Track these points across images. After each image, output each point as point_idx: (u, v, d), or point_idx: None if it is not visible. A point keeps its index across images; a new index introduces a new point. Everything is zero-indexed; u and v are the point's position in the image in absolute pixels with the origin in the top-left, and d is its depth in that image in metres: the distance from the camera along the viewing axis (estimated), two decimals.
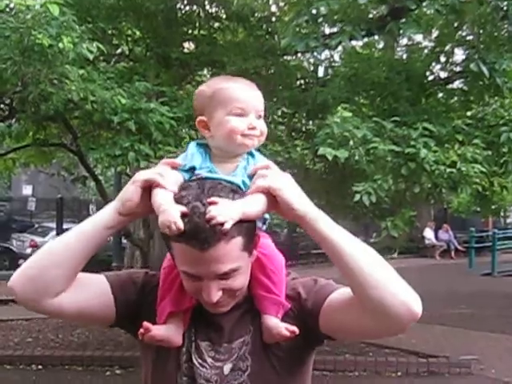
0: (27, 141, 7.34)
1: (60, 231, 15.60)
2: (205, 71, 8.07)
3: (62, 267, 1.39)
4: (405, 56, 8.85)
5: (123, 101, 5.15)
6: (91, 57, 4.90)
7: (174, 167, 1.39)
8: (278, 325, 1.43)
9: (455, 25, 6.87)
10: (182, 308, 1.46)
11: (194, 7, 7.42)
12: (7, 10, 4.71)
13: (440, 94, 7.56)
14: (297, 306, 1.48)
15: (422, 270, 15.99)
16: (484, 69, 5.53)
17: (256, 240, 1.42)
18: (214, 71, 7.17)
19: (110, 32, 7.00)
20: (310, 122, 7.99)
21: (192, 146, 1.48)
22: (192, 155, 1.45)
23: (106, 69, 6.15)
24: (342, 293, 1.42)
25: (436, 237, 20.37)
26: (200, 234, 1.28)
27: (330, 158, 5.18)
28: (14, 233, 19.38)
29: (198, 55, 7.33)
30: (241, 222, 1.31)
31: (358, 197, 5.38)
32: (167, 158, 1.54)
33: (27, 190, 24.21)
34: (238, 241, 1.33)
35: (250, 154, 1.46)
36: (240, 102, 1.42)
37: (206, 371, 1.44)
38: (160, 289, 1.49)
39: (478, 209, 11.96)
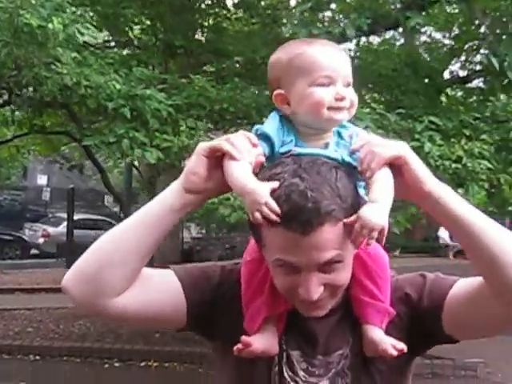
0: (28, 128, 7.28)
1: (70, 222, 15.68)
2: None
3: (125, 259, 1.21)
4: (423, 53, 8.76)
5: (118, 86, 5.04)
6: (81, 40, 4.79)
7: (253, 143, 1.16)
8: (384, 340, 1.24)
9: (476, 22, 6.71)
10: (278, 311, 1.27)
11: None
12: None
13: (459, 93, 7.47)
14: (406, 310, 1.30)
15: (436, 269, 15.75)
16: (494, 61, 5.34)
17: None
18: (221, 60, 7.01)
19: (112, 18, 6.88)
20: None
21: (274, 115, 1.25)
22: (273, 126, 1.23)
23: (106, 54, 6.04)
24: (463, 285, 1.26)
25: (450, 237, 20.20)
26: (302, 215, 1.09)
27: None
28: (27, 222, 19.54)
29: (204, 44, 7.21)
30: (348, 204, 1.13)
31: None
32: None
33: (42, 180, 24.38)
34: (342, 224, 1.15)
35: (342, 126, 1.26)
36: (324, 70, 1.21)
37: None
38: (246, 289, 1.30)
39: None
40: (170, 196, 1.19)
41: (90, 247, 1.21)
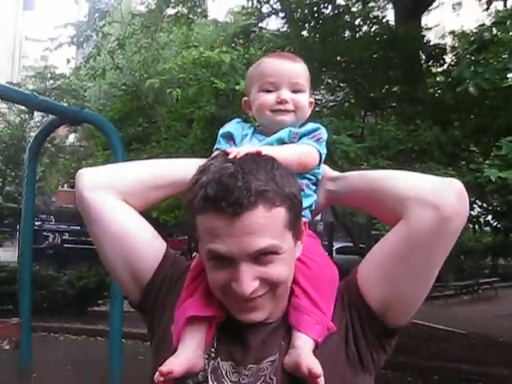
0: None
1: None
2: None
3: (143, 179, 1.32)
4: None
5: None
6: None
7: None
8: (304, 358, 1.14)
9: None
10: (205, 314, 1.20)
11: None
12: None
13: None
14: (346, 316, 1.25)
15: None
16: None
17: (302, 225, 1.23)
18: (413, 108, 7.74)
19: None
20: None
21: (234, 120, 1.42)
22: (231, 125, 1.39)
23: None
24: (371, 252, 1.26)
25: None
26: (231, 194, 1.07)
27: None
28: None
29: (400, 94, 8.03)
30: (285, 192, 1.13)
31: None
32: None
33: None
34: (281, 213, 1.13)
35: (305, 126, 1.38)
36: (270, 76, 1.34)
37: None
38: (184, 289, 1.26)
39: None
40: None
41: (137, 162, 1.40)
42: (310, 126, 1.36)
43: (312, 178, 1.36)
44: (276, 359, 1.18)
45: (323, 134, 1.37)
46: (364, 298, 1.22)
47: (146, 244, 1.30)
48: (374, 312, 1.21)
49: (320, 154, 1.34)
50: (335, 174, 1.39)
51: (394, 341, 1.28)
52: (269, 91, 1.34)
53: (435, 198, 1.14)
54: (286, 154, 1.24)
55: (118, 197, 1.28)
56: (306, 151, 1.30)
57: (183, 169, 1.31)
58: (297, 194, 1.18)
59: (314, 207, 1.38)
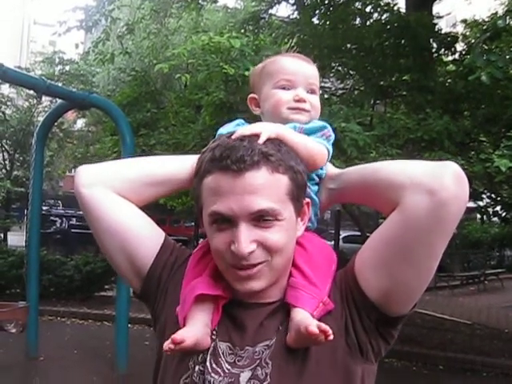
0: None
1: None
2: None
3: (137, 172, 1.33)
4: None
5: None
6: None
7: None
8: (308, 320, 1.14)
9: None
10: (214, 293, 1.22)
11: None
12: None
13: None
14: (342, 305, 1.24)
15: None
16: None
17: (305, 205, 1.25)
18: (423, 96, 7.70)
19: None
20: None
21: (235, 121, 1.37)
22: (228, 127, 1.35)
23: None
24: (369, 240, 1.24)
25: None
26: (236, 152, 1.12)
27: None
28: None
29: (411, 82, 7.98)
30: (289, 164, 1.17)
31: None
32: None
33: None
34: (284, 180, 1.16)
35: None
36: (287, 74, 1.33)
37: (218, 378, 1.18)
38: (189, 271, 1.30)
39: None
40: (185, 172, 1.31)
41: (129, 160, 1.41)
42: (316, 123, 1.34)
43: (315, 178, 1.35)
44: (273, 344, 1.19)
45: (331, 131, 1.35)
46: (361, 286, 1.21)
47: (143, 235, 1.32)
48: (372, 301, 1.20)
49: (328, 154, 1.32)
50: (336, 171, 1.36)
51: (395, 331, 1.25)
52: (284, 89, 1.33)
53: (430, 182, 1.10)
54: (303, 141, 1.25)
55: (115, 192, 1.30)
56: (318, 148, 1.28)
57: (179, 165, 1.33)
58: (301, 172, 1.20)
59: (318, 213, 1.37)
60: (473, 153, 7.17)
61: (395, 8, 8.75)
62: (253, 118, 1.40)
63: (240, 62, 6.08)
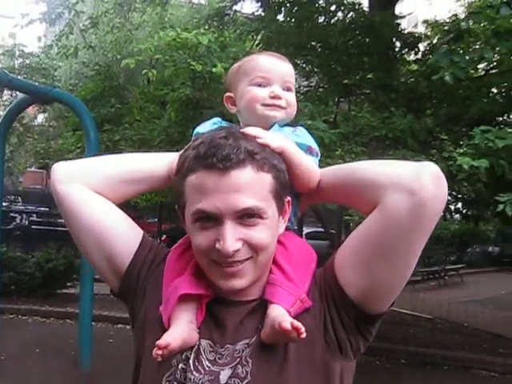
0: None
1: None
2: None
3: (115, 169, 1.33)
4: None
5: None
6: None
7: None
8: (283, 317, 1.15)
9: None
10: (197, 292, 1.22)
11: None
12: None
13: None
14: (321, 303, 1.25)
15: None
16: None
17: (286, 204, 1.26)
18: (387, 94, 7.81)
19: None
20: None
21: (211, 121, 1.37)
22: (205, 126, 1.35)
23: None
24: (345, 244, 1.25)
25: None
26: (221, 150, 1.12)
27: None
28: None
29: (375, 80, 8.08)
30: (273, 163, 1.18)
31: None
32: None
33: None
34: (268, 178, 1.17)
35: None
36: (262, 71, 1.33)
37: (198, 376, 1.17)
38: (168, 268, 1.29)
39: None
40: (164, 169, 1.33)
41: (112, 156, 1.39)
42: (304, 136, 1.34)
43: None
44: (253, 342, 1.19)
45: (317, 148, 1.36)
46: (340, 284, 1.22)
47: (120, 232, 1.31)
48: (351, 299, 1.21)
49: None
50: None
51: (373, 328, 1.27)
52: (260, 86, 1.33)
53: (410, 182, 1.12)
54: (306, 160, 1.27)
55: (91, 189, 1.29)
56: (313, 169, 1.30)
57: (158, 163, 1.34)
58: (284, 170, 1.21)
59: (298, 213, 1.39)
60: (435, 151, 7.32)
61: (359, 7, 8.84)
62: (223, 115, 1.43)
63: (207, 59, 6.07)
